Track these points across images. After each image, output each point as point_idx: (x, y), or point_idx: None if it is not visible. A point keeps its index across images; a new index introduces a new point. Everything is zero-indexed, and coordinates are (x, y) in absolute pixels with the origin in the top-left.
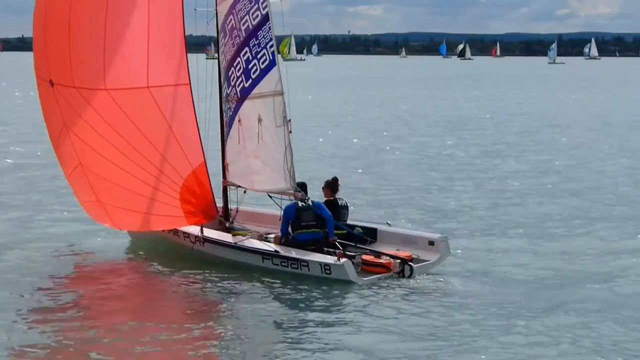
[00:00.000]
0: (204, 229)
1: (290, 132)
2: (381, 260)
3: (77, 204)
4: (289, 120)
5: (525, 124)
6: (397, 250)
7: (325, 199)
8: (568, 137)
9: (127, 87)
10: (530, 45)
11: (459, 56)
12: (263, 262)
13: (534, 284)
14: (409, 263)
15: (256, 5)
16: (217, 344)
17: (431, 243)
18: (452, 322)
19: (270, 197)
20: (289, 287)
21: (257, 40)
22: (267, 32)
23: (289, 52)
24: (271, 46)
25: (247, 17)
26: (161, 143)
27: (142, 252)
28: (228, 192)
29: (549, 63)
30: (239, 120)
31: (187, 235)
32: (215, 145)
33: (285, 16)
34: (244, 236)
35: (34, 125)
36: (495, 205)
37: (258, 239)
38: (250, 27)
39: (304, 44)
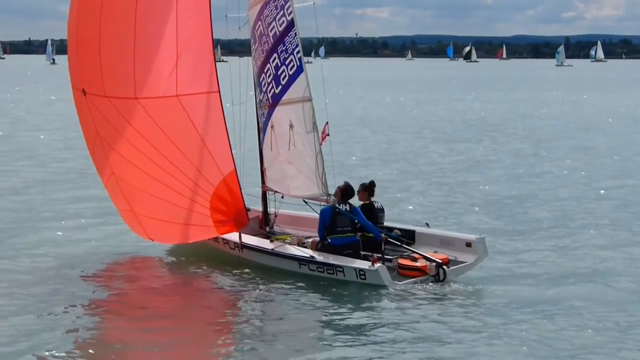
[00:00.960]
0: (243, 235)
1: (329, 134)
2: (417, 264)
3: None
4: (327, 122)
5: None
6: (435, 252)
7: (361, 202)
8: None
9: (157, 96)
10: (537, 48)
11: (464, 58)
12: (300, 267)
13: (572, 286)
14: (443, 266)
15: (282, 12)
16: (247, 347)
17: (468, 244)
18: (483, 326)
19: (306, 202)
20: (324, 292)
21: (285, 47)
22: (294, 38)
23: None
24: (298, 52)
25: (274, 23)
26: (191, 152)
27: (183, 257)
28: (267, 197)
29: (556, 65)
30: (272, 127)
31: (226, 241)
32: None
33: (245, 20)
34: (283, 241)
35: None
36: (539, 209)
37: (297, 243)
38: (278, 33)
39: (312, 47)
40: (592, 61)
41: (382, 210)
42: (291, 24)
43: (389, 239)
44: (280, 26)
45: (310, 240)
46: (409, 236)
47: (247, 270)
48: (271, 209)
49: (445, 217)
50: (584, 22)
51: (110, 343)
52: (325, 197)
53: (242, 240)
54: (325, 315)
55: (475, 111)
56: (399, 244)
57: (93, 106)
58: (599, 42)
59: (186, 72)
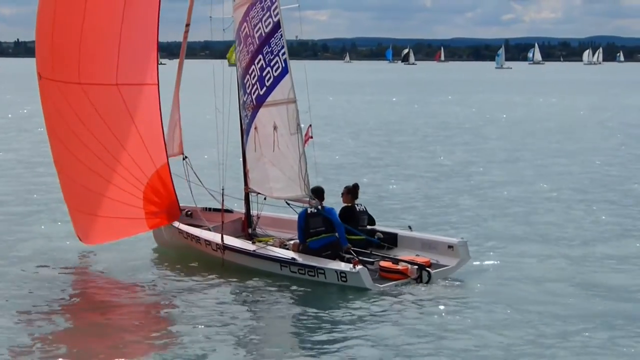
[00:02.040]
0: (225, 236)
1: (312, 137)
2: (398, 267)
3: None
4: (310, 125)
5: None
6: (417, 255)
7: (344, 204)
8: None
9: (97, 82)
10: (477, 50)
11: (402, 61)
12: (281, 269)
13: (556, 290)
14: (427, 269)
15: (268, 13)
16: (229, 349)
17: (450, 247)
18: (466, 329)
19: (288, 204)
20: (305, 294)
21: (270, 48)
22: (279, 39)
23: (235, 59)
24: (283, 54)
25: (259, 24)
26: (127, 141)
27: (165, 258)
28: (250, 199)
29: (496, 68)
30: (255, 128)
31: (208, 243)
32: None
33: (230, 22)
34: (265, 243)
35: None
36: (519, 211)
37: (279, 246)
38: (263, 34)
39: None
40: (529, 63)
41: (365, 212)
42: (277, 25)
43: (351, 250)
44: (267, 27)
45: (292, 242)
46: (391, 239)
47: (229, 272)
48: (253, 211)
49: (429, 220)
50: (523, 25)
51: (88, 346)
52: (308, 199)
53: (225, 242)
54: (305, 318)
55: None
56: (354, 255)
57: (44, 89)
58: (536, 45)
59: (127, 63)
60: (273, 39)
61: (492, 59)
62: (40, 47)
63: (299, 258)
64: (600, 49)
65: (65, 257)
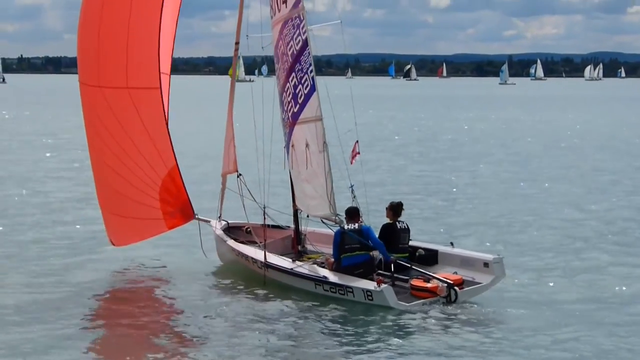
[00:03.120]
0: (270, 254)
1: (359, 152)
2: (428, 285)
3: None
4: (357, 141)
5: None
6: (455, 272)
7: (387, 221)
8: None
9: (112, 86)
10: (480, 66)
11: (404, 77)
12: (315, 288)
13: (582, 312)
14: (454, 288)
15: (298, 31)
16: None
17: (486, 265)
18: (487, 350)
19: (324, 222)
20: (335, 311)
21: (301, 66)
22: (308, 57)
23: (238, 74)
24: (311, 71)
25: (291, 42)
26: (141, 144)
27: (216, 273)
28: (299, 216)
29: (500, 84)
30: (292, 145)
31: (254, 260)
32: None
33: (233, 37)
34: (315, 260)
35: None
36: (561, 234)
37: (325, 261)
38: (295, 52)
39: (256, 65)
40: (532, 79)
41: (406, 230)
42: (305, 43)
43: (397, 261)
44: (297, 45)
45: (328, 259)
46: (432, 256)
47: (271, 289)
48: (303, 228)
49: (477, 237)
50: (525, 41)
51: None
52: (334, 217)
53: (267, 260)
54: (330, 336)
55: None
56: (408, 265)
57: (83, 96)
58: (538, 61)
59: (134, 66)
60: (302, 56)
61: (495, 74)
62: (81, 55)
63: (331, 276)
64: (601, 65)
65: (113, 267)
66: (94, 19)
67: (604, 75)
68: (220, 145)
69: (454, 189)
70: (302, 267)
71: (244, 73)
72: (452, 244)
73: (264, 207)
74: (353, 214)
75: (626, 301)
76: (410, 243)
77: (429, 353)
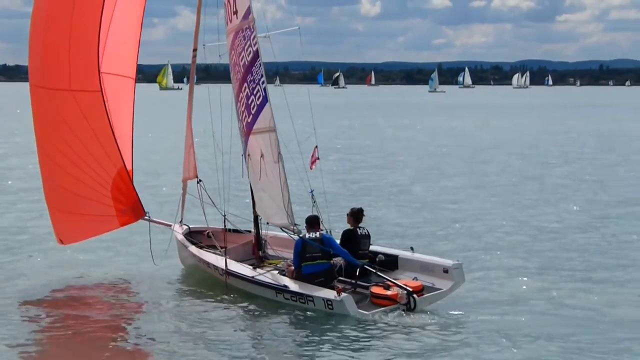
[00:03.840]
0: (230, 261)
1: (319, 158)
2: (388, 293)
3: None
4: (316, 146)
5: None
6: (415, 278)
7: (348, 227)
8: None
9: (56, 87)
10: (411, 74)
11: (332, 85)
12: (276, 296)
13: (545, 319)
14: (413, 295)
15: (249, 42)
16: None
17: (445, 270)
18: (441, 357)
19: (284, 230)
20: (296, 320)
21: (252, 77)
22: (259, 68)
23: (166, 82)
24: (263, 82)
25: (243, 53)
26: (90, 144)
27: (177, 278)
28: (260, 222)
29: (429, 91)
30: (248, 155)
31: (215, 267)
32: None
33: (161, 45)
34: (276, 265)
35: None
36: (519, 235)
37: (286, 268)
38: (247, 62)
39: (184, 73)
40: (460, 87)
41: (367, 236)
42: (256, 54)
43: (364, 266)
44: (248, 56)
45: (288, 267)
46: (392, 261)
47: (232, 295)
48: (264, 232)
49: (430, 242)
50: (454, 49)
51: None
52: (292, 227)
53: (227, 267)
54: (291, 344)
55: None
56: (374, 271)
57: (32, 97)
58: (466, 69)
59: (78, 69)
60: (254, 67)
61: (424, 82)
62: (30, 57)
63: (292, 285)
64: (527, 73)
65: (73, 272)
66: (40, 21)
67: (532, 83)
68: (154, 152)
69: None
70: (263, 276)
71: (172, 81)
72: (412, 248)
73: (224, 213)
74: (313, 222)
75: (589, 302)
76: (371, 248)
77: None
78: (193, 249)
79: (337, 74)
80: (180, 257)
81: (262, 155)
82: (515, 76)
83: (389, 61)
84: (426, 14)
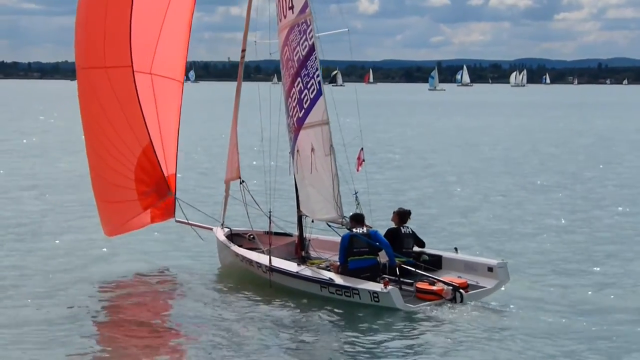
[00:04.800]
0: (275, 258)
1: (364, 160)
2: (433, 288)
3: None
4: (361, 148)
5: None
6: (459, 277)
7: (392, 226)
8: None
9: (91, 66)
10: (410, 72)
11: (330, 83)
12: (321, 290)
13: (590, 322)
14: (460, 290)
15: (305, 36)
16: None
17: (490, 269)
18: (492, 353)
19: (330, 226)
20: (341, 314)
21: (307, 71)
22: (314, 61)
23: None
24: (318, 75)
25: (297, 48)
26: (117, 122)
27: (221, 276)
28: (303, 222)
29: (429, 89)
30: (297, 151)
31: (259, 265)
32: None
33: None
34: (317, 265)
35: None
36: (572, 239)
37: (330, 265)
38: (301, 57)
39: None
40: (458, 85)
41: (410, 235)
42: (312, 48)
43: (402, 265)
44: (304, 50)
45: (333, 263)
46: (436, 261)
47: (277, 292)
48: (308, 234)
49: (474, 243)
50: (452, 47)
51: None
52: (341, 220)
53: (272, 264)
54: (337, 338)
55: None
56: (414, 270)
57: (78, 79)
58: (464, 67)
59: (112, 47)
60: (309, 61)
61: (424, 80)
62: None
63: (337, 279)
64: (525, 71)
65: (120, 271)
66: (82, 4)
67: (531, 82)
68: None
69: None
70: (307, 270)
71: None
72: (456, 249)
73: (270, 214)
74: (359, 219)
75: (629, 307)
76: (415, 249)
77: (435, 355)
78: (236, 248)
79: (335, 71)
80: (221, 258)
81: (312, 150)
82: (513, 74)
83: (387, 59)
84: (424, 12)
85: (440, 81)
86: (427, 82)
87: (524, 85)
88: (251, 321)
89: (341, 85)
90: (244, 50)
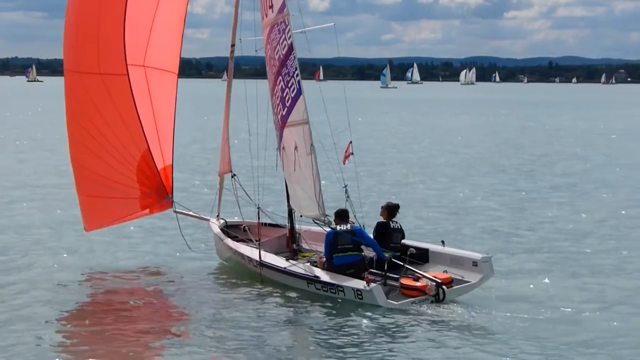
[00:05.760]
0: (265, 253)
1: (352, 153)
2: (417, 284)
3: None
4: (350, 142)
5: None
6: (445, 271)
7: (380, 220)
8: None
9: (85, 71)
10: (362, 70)
11: None
12: (308, 286)
13: (574, 318)
14: (443, 286)
15: (283, 35)
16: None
17: (474, 264)
18: (466, 349)
19: (316, 222)
20: (326, 309)
21: (287, 69)
22: (293, 61)
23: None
24: (297, 75)
25: (278, 47)
26: (117, 127)
27: (216, 268)
28: (293, 215)
29: (381, 87)
30: (283, 148)
31: (250, 259)
32: None
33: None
34: (309, 258)
35: None
36: (555, 235)
37: (318, 260)
38: (282, 56)
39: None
40: (408, 83)
41: (399, 230)
42: (291, 47)
43: (392, 259)
44: (283, 49)
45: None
46: (423, 254)
47: (267, 286)
48: (298, 226)
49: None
50: (403, 45)
51: (112, 350)
52: (323, 218)
53: (262, 259)
54: (322, 333)
55: None
56: (402, 264)
57: (66, 81)
58: (415, 65)
59: (108, 51)
60: (289, 60)
61: (375, 78)
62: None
63: (323, 276)
64: (474, 69)
65: (112, 264)
66: (74, 8)
67: (482, 80)
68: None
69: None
70: (296, 267)
71: None
72: (443, 242)
73: (258, 207)
74: (343, 215)
75: (619, 302)
76: (403, 241)
77: (417, 349)
78: (228, 241)
79: None
80: (217, 250)
81: (295, 148)
82: (463, 72)
83: (338, 56)
84: (375, 10)
85: (392, 79)
86: (379, 79)
87: (473, 83)
88: (241, 315)
89: None
90: (233, 45)
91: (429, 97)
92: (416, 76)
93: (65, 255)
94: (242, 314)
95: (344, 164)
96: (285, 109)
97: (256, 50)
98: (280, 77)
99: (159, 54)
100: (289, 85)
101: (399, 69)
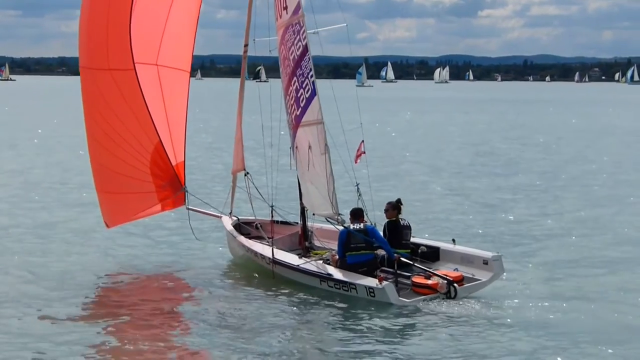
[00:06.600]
0: (278, 250)
1: (364, 152)
2: (429, 282)
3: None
4: (362, 141)
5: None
6: (456, 269)
7: (388, 219)
8: None
9: (96, 67)
10: (337, 68)
11: (254, 78)
12: (320, 284)
13: (577, 309)
14: (454, 284)
15: (298, 37)
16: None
17: (485, 262)
18: (486, 346)
19: (329, 221)
20: (339, 307)
21: (302, 70)
22: (308, 62)
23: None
24: (311, 76)
25: (292, 47)
26: (129, 121)
27: (229, 265)
28: (306, 213)
29: (357, 86)
30: (296, 147)
31: (263, 256)
32: None
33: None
34: (321, 256)
35: None
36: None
37: (331, 258)
38: (296, 57)
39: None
40: (382, 82)
41: (408, 227)
42: (305, 48)
43: (401, 259)
44: (298, 50)
45: (333, 256)
46: (433, 253)
47: (280, 284)
48: (311, 224)
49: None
50: (378, 44)
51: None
52: (337, 217)
53: (275, 256)
54: (334, 331)
55: None
56: (411, 263)
57: (81, 79)
58: (389, 63)
59: (116, 47)
60: (303, 61)
61: (351, 77)
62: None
63: (336, 273)
64: (447, 68)
65: (124, 260)
66: (85, 5)
67: (456, 78)
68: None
69: None
70: (308, 264)
71: None
72: (453, 240)
73: (272, 205)
74: (357, 214)
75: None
76: (413, 240)
77: (429, 346)
78: (241, 238)
79: (259, 67)
80: (230, 247)
81: (309, 147)
82: (437, 71)
83: (313, 55)
84: (349, 8)
85: (368, 77)
86: (354, 78)
87: (447, 82)
88: (253, 312)
89: (265, 81)
90: (246, 46)
91: (405, 95)
92: (390, 74)
93: (69, 251)
94: (255, 310)
95: (356, 162)
96: (300, 109)
97: (270, 51)
98: (295, 78)
99: (172, 53)
100: (304, 85)
101: (374, 68)
